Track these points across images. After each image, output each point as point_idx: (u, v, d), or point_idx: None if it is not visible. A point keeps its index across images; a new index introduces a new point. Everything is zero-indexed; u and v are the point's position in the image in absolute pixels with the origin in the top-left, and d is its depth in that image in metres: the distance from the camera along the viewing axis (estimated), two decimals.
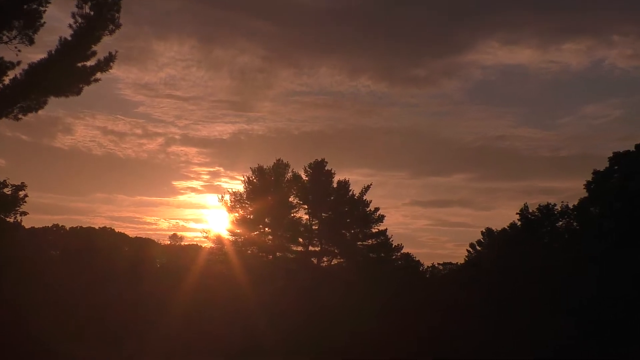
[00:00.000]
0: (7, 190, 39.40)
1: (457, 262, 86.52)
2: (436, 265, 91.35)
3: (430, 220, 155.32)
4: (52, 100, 25.00)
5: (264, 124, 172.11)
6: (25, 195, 40.19)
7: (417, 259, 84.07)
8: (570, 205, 59.51)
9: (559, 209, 60.94)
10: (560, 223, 61.42)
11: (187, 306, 58.45)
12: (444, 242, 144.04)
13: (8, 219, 42.23)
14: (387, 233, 67.99)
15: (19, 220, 42.83)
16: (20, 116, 24.55)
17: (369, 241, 68.18)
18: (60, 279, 60.68)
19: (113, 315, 57.07)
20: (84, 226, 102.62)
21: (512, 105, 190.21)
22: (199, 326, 57.61)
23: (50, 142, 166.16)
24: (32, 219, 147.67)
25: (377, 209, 67.82)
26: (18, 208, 40.45)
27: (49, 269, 63.60)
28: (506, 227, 69.74)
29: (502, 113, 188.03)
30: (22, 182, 39.98)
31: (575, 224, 58.73)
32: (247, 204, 68.67)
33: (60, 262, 72.74)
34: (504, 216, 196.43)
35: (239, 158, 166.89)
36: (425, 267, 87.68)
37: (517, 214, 63.23)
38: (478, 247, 78.65)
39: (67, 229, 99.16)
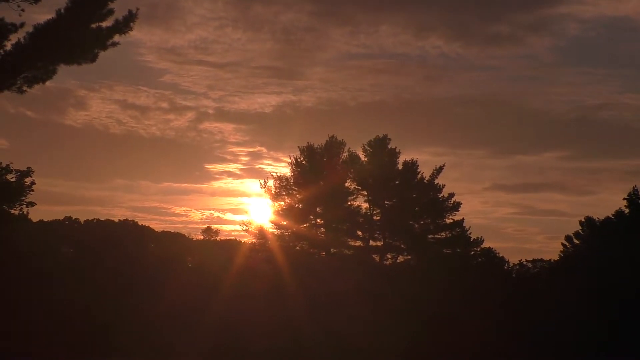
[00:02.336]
0: (11, 177, 39.78)
1: (549, 259, 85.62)
2: (524, 263, 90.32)
3: (516, 208, 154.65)
4: (62, 69, 24.99)
5: (313, 95, 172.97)
6: (32, 183, 40.55)
7: (500, 254, 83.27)
8: None
9: None
10: None
11: (224, 313, 58.69)
12: (534, 235, 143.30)
13: (12, 211, 42.64)
14: (463, 224, 67.83)
15: (25, 212, 43.20)
16: (24, 88, 24.62)
17: (442, 234, 67.94)
18: (74, 282, 61.39)
19: (135, 326, 57.59)
20: (102, 219, 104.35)
21: (617, 67, 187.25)
22: (239, 337, 57.82)
23: (60, 119, 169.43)
24: (41, 211, 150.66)
25: (451, 195, 67.51)
26: (24, 198, 40.82)
27: (60, 270, 64.39)
28: (611, 216, 68.99)
29: (605, 77, 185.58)
30: (28, 167, 40.34)
31: None
32: (294, 190, 68.71)
33: (74, 261, 73.63)
34: (607, 202, 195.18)
35: (284, 135, 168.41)
36: (511, 264, 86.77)
37: (624, 199, 62.63)
38: (576, 240, 77.69)
39: (82, 222, 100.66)
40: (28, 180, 40.29)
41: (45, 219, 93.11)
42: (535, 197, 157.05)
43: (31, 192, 40.87)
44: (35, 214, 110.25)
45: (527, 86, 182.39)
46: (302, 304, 58.89)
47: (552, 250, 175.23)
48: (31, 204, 41.70)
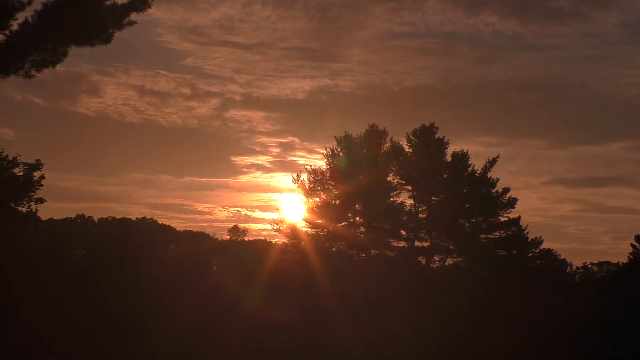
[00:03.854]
0: (18, 171, 40.10)
1: (617, 262, 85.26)
2: (588, 266, 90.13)
3: (580, 205, 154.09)
4: (74, 52, 25.15)
5: (351, 78, 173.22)
6: (42, 177, 41.05)
7: (562, 257, 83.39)
8: None
9: None
10: None
11: (253, 322, 58.81)
12: (599, 235, 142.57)
13: (20, 208, 42.88)
14: (520, 222, 67.62)
15: (33, 210, 43.57)
16: (32, 73, 24.78)
17: (496, 233, 67.77)
18: (85, 289, 61.71)
19: (152, 337, 57.81)
20: (117, 217, 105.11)
21: None
22: (268, 349, 57.93)
23: (71, 107, 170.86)
24: (51, 208, 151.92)
25: (506, 190, 67.22)
26: (32, 194, 41.29)
27: (71, 274, 64.77)
28: None
29: None
30: (37, 160, 40.84)
31: None
32: (330, 185, 68.77)
33: (86, 264, 74.08)
34: None
35: (319, 124, 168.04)
36: (574, 268, 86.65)
37: None
38: None
39: (95, 220, 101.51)
40: (37, 174, 40.75)
41: (55, 217, 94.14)
42: (601, 192, 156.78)
43: (40, 188, 41.34)
44: (45, 212, 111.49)
45: (592, 68, 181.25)
46: (340, 313, 58.87)
47: (620, 252, 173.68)
48: (40, 200, 42.11)
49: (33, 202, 42.20)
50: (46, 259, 61.49)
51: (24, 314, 53.03)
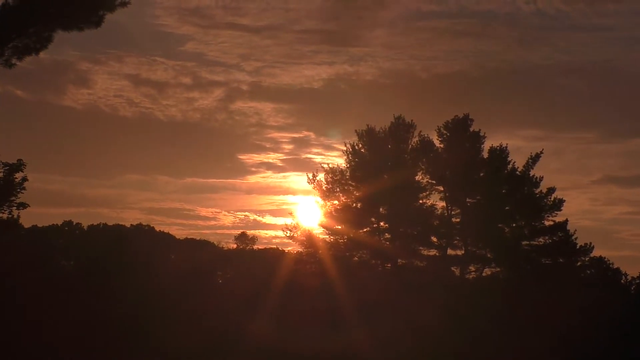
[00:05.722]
0: None
1: None
2: None
3: (635, 207, 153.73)
4: (60, 37, 25.27)
5: (374, 65, 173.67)
6: (24, 179, 41.18)
7: (615, 265, 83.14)
8: None
9: None
10: None
11: (264, 342, 58.97)
12: None
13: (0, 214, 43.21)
14: (567, 227, 67.26)
15: (14, 216, 43.79)
16: (13, 61, 24.88)
17: (540, 240, 67.55)
18: (72, 306, 61.93)
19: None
20: (109, 223, 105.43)
21: None
22: None
23: (57, 100, 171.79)
24: (34, 214, 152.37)
25: (551, 190, 67.02)
26: (14, 198, 41.44)
27: (56, 289, 65.00)
28: None
29: None
30: (18, 160, 40.97)
31: None
32: (351, 185, 68.81)
33: (75, 277, 74.33)
34: None
35: (337, 117, 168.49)
36: (629, 278, 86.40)
37: None
38: None
39: (85, 227, 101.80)
40: (18, 176, 40.85)
41: (39, 224, 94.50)
42: None
43: (22, 191, 41.45)
44: (27, 219, 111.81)
45: None
46: (363, 330, 58.95)
47: None
48: (22, 205, 42.25)
49: (14, 208, 42.30)
50: (28, 271, 61.77)
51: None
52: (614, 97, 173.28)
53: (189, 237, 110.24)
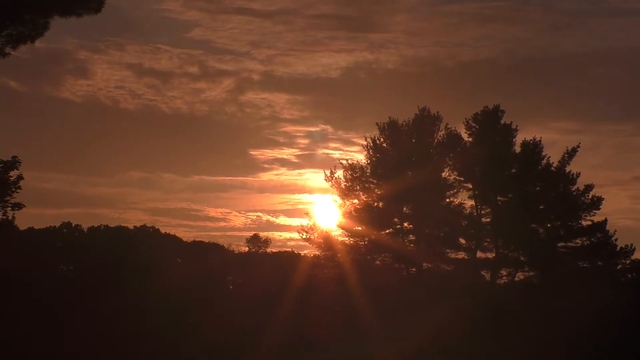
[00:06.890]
0: None
1: None
2: None
3: None
4: (57, 24, 25.34)
5: (396, 52, 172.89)
6: (19, 177, 41.32)
7: None
8: None
9: None
10: None
11: (279, 352, 59.10)
12: None
13: None
14: (606, 227, 67.12)
15: (9, 217, 44.01)
16: (7, 50, 24.97)
17: (577, 241, 67.43)
18: (72, 312, 62.16)
19: None
20: (111, 225, 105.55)
21: None
22: None
23: (55, 92, 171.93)
24: (30, 215, 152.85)
25: (589, 188, 66.83)
26: (8, 198, 41.59)
27: (55, 294, 65.23)
28: None
29: None
30: (13, 157, 41.12)
31: None
32: (372, 183, 68.81)
33: (74, 283, 74.58)
34: None
35: (357, 109, 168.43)
36: None
37: None
38: None
39: (85, 229, 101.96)
40: (13, 174, 40.99)
41: (36, 226, 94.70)
42: None
43: (18, 191, 41.59)
44: (24, 220, 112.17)
45: None
46: (385, 341, 59.00)
47: None
48: (18, 205, 42.41)
49: (9, 208, 42.45)
50: (24, 275, 62.07)
51: None
52: None
53: (196, 239, 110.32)
